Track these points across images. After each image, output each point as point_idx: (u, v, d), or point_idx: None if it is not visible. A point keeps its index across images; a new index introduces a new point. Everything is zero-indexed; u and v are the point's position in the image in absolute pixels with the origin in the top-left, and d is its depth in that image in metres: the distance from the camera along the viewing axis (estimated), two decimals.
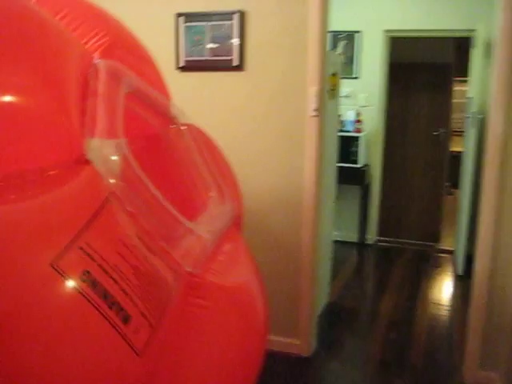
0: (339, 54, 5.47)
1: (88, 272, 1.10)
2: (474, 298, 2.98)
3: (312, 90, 3.06)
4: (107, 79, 1.53)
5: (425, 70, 6.07)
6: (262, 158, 3.23)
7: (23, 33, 1.39)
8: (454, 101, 6.19)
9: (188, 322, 1.45)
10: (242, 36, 3.17)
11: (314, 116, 3.06)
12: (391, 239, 6.17)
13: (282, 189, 3.21)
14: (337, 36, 5.72)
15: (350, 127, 5.59)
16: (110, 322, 1.12)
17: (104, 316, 1.11)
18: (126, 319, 1.15)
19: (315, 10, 3.03)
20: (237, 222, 2.04)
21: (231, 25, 3.18)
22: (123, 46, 1.81)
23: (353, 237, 5.86)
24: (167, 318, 1.33)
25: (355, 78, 5.73)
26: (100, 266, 1.13)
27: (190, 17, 3.28)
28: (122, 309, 1.15)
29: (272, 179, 3.22)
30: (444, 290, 4.64)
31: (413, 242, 6.13)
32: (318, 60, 3.05)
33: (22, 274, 1.05)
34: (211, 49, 3.26)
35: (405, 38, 5.67)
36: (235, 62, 3.20)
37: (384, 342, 3.61)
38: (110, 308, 1.12)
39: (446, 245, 5.97)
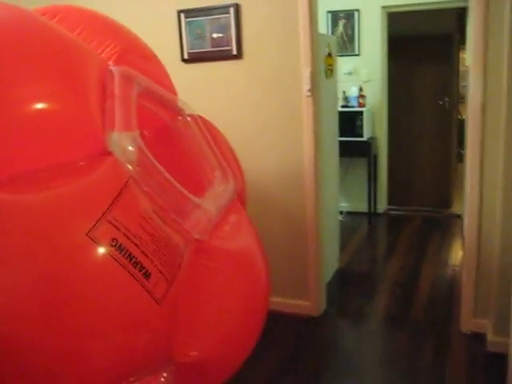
0: (335, 35, 5.71)
1: (115, 239, 1.41)
2: (465, 252, 3.29)
3: (305, 72, 3.34)
4: (121, 82, 1.81)
5: (427, 41, 6.23)
6: (263, 137, 3.53)
7: (48, 49, 1.68)
8: (464, 68, 6.32)
9: (198, 279, 1.75)
10: (238, 27, 3.46)
11: (309, 96, 3.35)
12: (402, 207, 6.41)
13: (284, 164, 3.52)
14: (336, 15, 5.94)
15: (353, 102, 5.84)
16: (134, 278, 1.43)
17: (130, 273, 1.42)
18: (147, 275, 1.46)
19: None
20: (240, 197, 2.33)
21: (228, 17, 3.46)
22: (133, 52, 2.09)
23: (363, 207, 6.12)
24: (180, 276, 1.64)
25: (356, 55, 5.96)
26: (124, 234, 1.44)
27: (190, 12, 3.57)
28: (143, 267, 1.45)
29: (274, 155, 3.52)
30: (450, 251, 4.91)
31: (423, 208, 6.35)
32: (309, 44, 3.32)
33: (65, 242, 1.36)
34: (212, 39, 3.54)
35: (402, 12, 5.87)
36: (234, 52, 3.49)
37: (389, 300, 3.92)
38: (134, 267, 1.43)
39: (456, 210, 6.18)
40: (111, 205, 1.46)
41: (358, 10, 5.87)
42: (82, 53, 1.81)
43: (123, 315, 1.44)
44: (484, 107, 3.02)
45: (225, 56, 3.54)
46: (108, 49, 1.99)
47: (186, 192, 1.83)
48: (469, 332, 3.33)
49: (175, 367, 1.69)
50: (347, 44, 5.93)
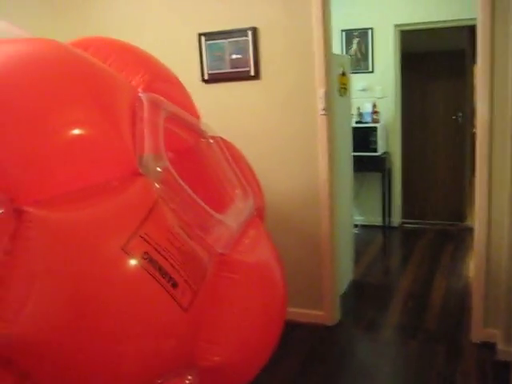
0: (349, 55, 5.88)
1: (147, 253, 1.56)
2: (475, 264, 3.41)
3: (320, 92, 3.51)
4: (150, 108, 1.96)
5: (440, 57, 6.37)
6: (280, 154, 3.69)
7: (84, 79, 1.84)
8: None
9: (220, 290, 1.89)
10: (256, 49, 3.64)
11: (323, 114, 3.51)
12: (416, 221, 6.52)
13: (300, 180, 3.67)
14: (350, 34, 6.11)
15: (368, 118, 5.99)
16: (163, 287, 1.57)
17: (159, 283, 1.56)
18: (174, 285, 1.61)
19: (318, 22, 3.47)
20: (259, 214, 2.47)
21: (246, 40, 3.64)
22: (160, 79, 2.25)
23: (378, 220, 6.25)
24: (204, 286, 1.78)
25: (370, 72, 6.12)
26: (155, 248, 1.58)
27: (210, 35, 3.76)
28: (171, 278, 1.60)
29: (290, 172, 3.67)
30: (463, 263, 5.02)
31: (438, 222, 6.46)
32: (324, 64, 3.49)
33: (102, 256, 1.51)
34: (231, 61, 3.72)
35: (415, 30, 6.02)
36: (252, 73, 3.66)
37: (402, 310, 4.04)
38: (163, 277, 1.58)
39: (470, 223, 6.24)
40: (143, 221, 1.60)
41: (371, 29, 6.04)
42: (115, 81, 1.97)
43: (153, 321, 1.58)
44: (491, 122, 3.16)
45: (243, 77, 3.71)
46: (137, 77, 2.14)
47: (209, 209, 1.97)
48: (479, 341, 3.44)
49: (199, 371, 1.83)
50: (361, 61, 6.09)
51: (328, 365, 3.32)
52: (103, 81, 1.92)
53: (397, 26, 5.96)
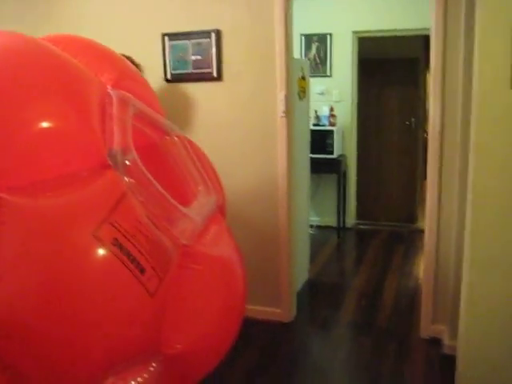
0: (307, 59, 6.03)
1: (116, 239, 1.62)
2: (424, 264, 3.58)
3: (280, 95, 3.62)
4: (119, 105, 2.03)
5: (396, 64, 6.57)
6: (241, 154, 3.78)
7: (54, 72, 1.89)
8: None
9: (183, 280, 1.97)
10: (218, 51, 3.73)
11: (283, 117, 3.63)
12: (370, 222, 6.71)
13: (259, 180, 3.78)
14: (310, 39, 6.25)
15: (325, 121, 6.14)
16: (132, 272, 1.64)
17: (128, 268, 1.63)
18: (142, 271, 1.68)
19: (280, 27, 3.58)
20: (221, 210, 2.56)
21: (209, 42, 3.73)
22: (127, 77, 2.32)
23: (333, 221, 6.40)
24: (169, 274, 1.85)
25: (328, 76, 6.28)
26: (123, 235, 1.65)
27: (174, 36, 3.82)
28: (139, 263, 1.67)
29: (250, 172, 3.77)
30: (414, 264, 5.21)
31: (390, 223, 6.66)
32: (285, 68, 3.60)
33: (73, 241, 1.58)
34: (194, 62, 3.80)
35: (372, 37, 6.21)
36: (214, 74, 3.75)
37: (355, 308, 4.19)
38: (132, 263, 1.65)
39: (421, 225, 6.46)
40: (112, 209, 1.68)
41: (330, 34, 6.19)
42: (85, 77, 2.02)
43: (121, 305, 1.66)
44: (442, 129, 3.32)
45: (205, 78, 3.79)
46: (106, 74, 2.19)
47: (174, 202, 2.05)
48: (428, 337, 3.61)
49: (163, 359, 1.90)
50: (320, 66, 6.24)
51: (284, 360, 3.43)
52: (74, 74, 1.97)
53: (355, 32, 6.14)
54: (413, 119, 6.62)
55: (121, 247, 1.63)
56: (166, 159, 2.42)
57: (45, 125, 1.72)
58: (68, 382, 1.65)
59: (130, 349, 1.75)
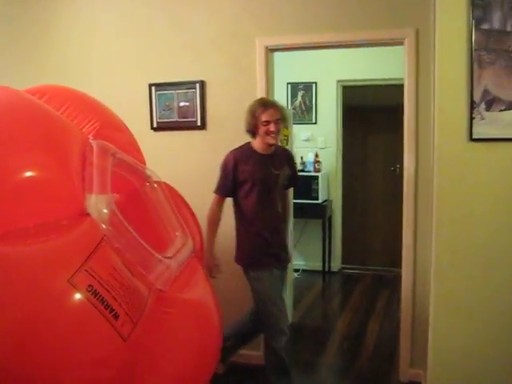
0: (293, 107, 6.22)
1: (91, 285, 1.70)
2: (403, 308, 3.65)
3: None
4: (99, 154, 2.15)
5: (379, 111, 6.74)
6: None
7: (38, 125, 2.01)
8: None
9: (158, 323, 2.04)
10: (202, 101, 3.87)
11: None
12: (355, 266, 6.77)
13: None
14: (295, 87, 6.45)
15: (310, 167, 6.27)
16: (105, 318, 1.72)
17: (102, 314, 1.71)
18: (116, 316, 1.75)
19: (262, 77, 3.74)
20: (198, 254, 2.67)
21: (194, 92, 3.88)
22: (109, 126, 2.45)
23: (318, 265, 6.46)
24: (143, 319, 1.92)
25: (314, 123, 6.45)
26: (99, 282, 1.73)
27: (160, 86, 3.98)
28: (113, 309, 1.75)
29: (232, 218, 3.87)
30: (397, 307, 5.26)
31: (375, 267, 6.73)
32: None
33: (49, 287, 1.66)
34: (179, 111, 3.95)
35: (356, 86, 6.41)
36: (198, 123, 3.89)
37: (337, 352, 4.24)
38: (106, 309, 1.72)
39: None
40: (88, 257, 1.75)
41: (315, 83, 6.38)
42: (66, 128, 2.15)
43: (95, 349, 1.72)
44: (416, 174, 3.46)
45: (190, 126, 3.93)
46: (89, 124, 2.33)
47: (150, 249, 2.15)
48: (407, 381, 3.66)
49: None
50: (305, 113, 6.42)
51: None
52: (55, 127, 2.10)
53: (339, 81, 6.33)
54: (397, 165, 6.75)
55: (95, 293, 1.70)
56: (145, 205, 2.53)
57: (24, 175, 1.83)
58: None
59: None
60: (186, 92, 3.90)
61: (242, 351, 3.84)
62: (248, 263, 3.30)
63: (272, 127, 3.10)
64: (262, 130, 3.14)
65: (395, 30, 3.50)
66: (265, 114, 3.11)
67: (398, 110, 6.09)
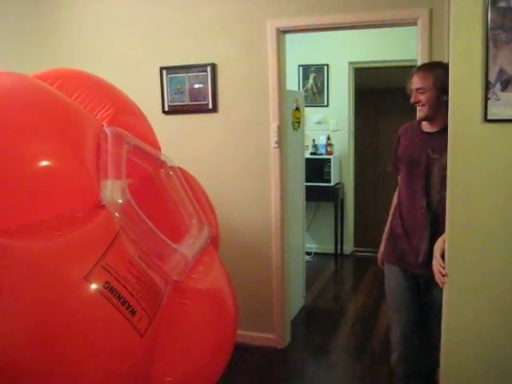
0: (304, 90, 6.19)
1: (108, 282, 1.68)
2: None
3: (273, 126, 3.75)
4: (113, 141, 2.10)
5: (392, 94, 6.68)
6: (235, 184, 3.88)
7: (50, 112, 1.97)
8: None
9: (174, 314, 2.02)
10: (214, 84, 3.85)
11: (276, 148, 3.75)
12: (367, 249, 6.75)
13: (253, 208, 3.86)
14: (307, 69, 6.41)
15: (322, 150, 6.25)
16: (122, 314, 1.70)
17: (119, 310, 1.69)
18: (133, 312, 1.73)
19: (274, 61, 3.71)
20: (214, 241, 2.59)
21: (205, 75, 3.87)
22: (124, 112, 2.41)
23: (330, 248, 6.47)
24: (160, 312, 1.90)
25: (325, 106, 6.40)
26: (115, 278, 1.71)
27: (171, 69, 3.97)
28: (130, 305, 1.72)
29: (244, 200, 3.87)
30: None
31: None
32: (277, 100, 3.72)
33: (66, 284, 1.64)
34: (190, 94, 3.95)
35: (368, 68, 6.37)
36: (210, 106, 3.88)
37: (349, 334, 4.24)
38: (123, 305, 1.70)
39: None
40: (105, 252, 1.73)
41: (327, 65, 6.33)
42: (80, 116, 2.11)
43: (112, 346, 1.71)
44: None
45: (201, 109, 3.91)
46: (103, 110, 2.28)
47: (166, 238, 2.11)
48: None
49: None
50: (317, 96, 6.38)
51: None
52: (69, 115, 2.06)
53: (351, 63, 6.28)
54: None
55: (112, 290, 1.69)
56: (161, 192, 2.47)
57: (38, 166, 1.79)
58: None
59: (126, 382, 1.82)
60: (197, 75, 3.89)
61: (257, 334, 3.89)
62: None
63: (412, 97, 2.76)
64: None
65: (408, 10, 3.45)
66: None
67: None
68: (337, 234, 6.30)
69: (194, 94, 3.92)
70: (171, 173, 2.53)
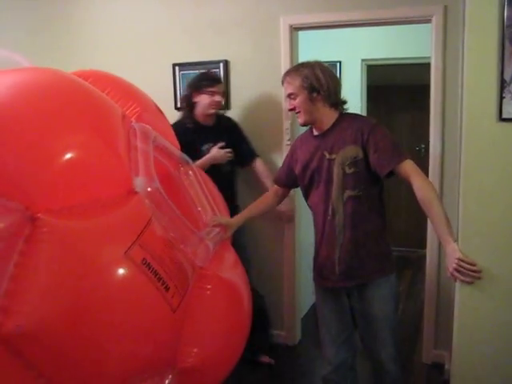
0: None
1: (145, 259, 1.90)
2: (427, 288, 3.76)
3: (286, 124, 3.82)
4: (141, 137, 2.32)
5: (405, 91, 6.77)
6: (248, 181, 3.96)
7: (85, 105, 2.16)
8: None
9: (199, 297, 2.24)
10: (226, 80, 3.96)
11: (289, 145, 3.81)
12: None
13: None
14: None
15: None
16: (158, 289, 1.92)
17: (155, 285, 1.91)
18: (167, 288, 1.96)
19: (286, 58, 3.82)
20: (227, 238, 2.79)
21: (218, 72, 3.95)
22: (148, 111, 2.62)
23: None
24: (188, 293, 2.12)
25: None
26: (151, 256, 1.93)
27: (184, 66, 4.06)
28: (164, 282, 1.95)
29: (256, 197, 3.93)
30: (419, 288, 5.32)
31: (400, 248, 6.77)
32: None
33: (107, 258, 1.85)
34: None
35: (381, 65, 6.40)
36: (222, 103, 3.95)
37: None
38: (158, 281, 1.92)
39: None
40: (141, 232, 1.95)
41: (339, 62, 6.39)
42: (114, 111, 2.31)
43: (148, 318, 1.92)
44: (442, 155, 3.52)
45: None
46: (130, 109, 2.50)
47: (192, 227, 2.33)
48: (430, 362, 3.75)
49: (177, 371, 2.14)
50: None
51: (287, 383, 3.55)
52: (105, 108, 2.26)
53: (364, 60, 6.35)
54: (422, 145, 6.76)
55: (149, 266, 1.90)
56: (180, 188, 2.66)
57: (78, 154, 1.98)
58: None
59: (154, 356, 2.00)
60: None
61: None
62: None
63: (287, 105, 2.72)
64: None
65: (423, 7, 3.52)
66: None
67: (424, 89, 6.09)
68: None
69: None
70: (190, 172, 2.71)
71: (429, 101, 3.61)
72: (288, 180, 2.87)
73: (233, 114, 3.97)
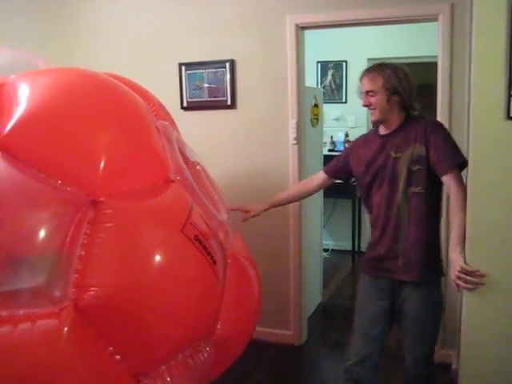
0: (322, 86, 6.25)
1: (196, 236, 2.15)
2: None
3: (292, 122, 3.78)
4: (166, 134, 2.53)
5: None
6: (253, 179, 3.96)
7: (123, 103, 2.33)
8: None
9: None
10: (232, 80, 4.00)
11: (294, 144, 3.77)
12: None
13: None
14: (325, 65, 6.42)
15: (340, 147, 6.39)
16: (208, 262, 2.18)
17: (205, 258, 2.17)
18: (214, 262, 2.24)
19: (293, 58, 3.88)
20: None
21: (224, 71, 3.91)
22: (161, 109, 2.80)
23: (348, 245, 6.56)
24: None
25: (344, 102, 6.52)
26: (201, 233, 2.19)
27: (190, 65, 4.06)
28: (212, 256, 2.24)
29: (263, 196, 3.89)
30: None
31: None
32: (296, 97, 3.90)
33: (168, 236, 2.08)
34: (209, 90, 3.98)
35: None
36: (228, 102, 4.00)
37: None
38: (208, 255, 2.20)
39: None
40: (190, 212, 2.21)
41: (345, 61, 6.45)
42: (146, 108, 2.50)
43: (203, 288, 2.15)
44: None
45: (220, 105, 4.11)
46: (149, 107, 2.61)
47: (215, 212, 2.62)
48: (437, 362, 3.67)
49: (211, 343, 2.35)
50: (335, 92, 6.48)
51: (293, 382, 3.50)
52: (140, 107, 2.41)
53: (370, 59, 6.40)
54: None
55: (200, 242, 2.17)
56: (200, 179, 2.81)
57: (124, 147, 2.18)
58: (161, 349, 2.01)
59: (207, 324, 2.23)
60: (215, 71, 4.10)
61: (274, 330, 3.90)
62: None
63: (363, 100, 2.80)
64: None
65: (429, 6, 3.58)
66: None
67: (430, 88, 6.02)
68: (354, 231, 6.51)
69: (213, 91, 4.11)
70: (198, 167, 2.83)
71: (436, 99, 3.56)
72: (338, 172, 3.07)
73: (239, 113, 3.94)
